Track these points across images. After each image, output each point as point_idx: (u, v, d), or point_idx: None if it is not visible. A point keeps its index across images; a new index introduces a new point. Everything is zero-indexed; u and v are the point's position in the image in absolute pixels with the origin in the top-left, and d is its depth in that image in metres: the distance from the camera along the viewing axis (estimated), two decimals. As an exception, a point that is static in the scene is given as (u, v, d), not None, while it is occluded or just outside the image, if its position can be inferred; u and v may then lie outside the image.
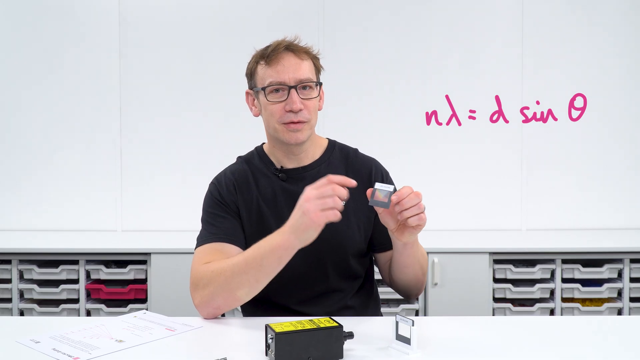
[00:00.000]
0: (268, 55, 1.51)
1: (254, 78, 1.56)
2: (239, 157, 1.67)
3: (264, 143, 1.67)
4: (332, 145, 1.65)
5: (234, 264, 1.39)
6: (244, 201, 1.57)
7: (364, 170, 1.61)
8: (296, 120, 1.50)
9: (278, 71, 1.50)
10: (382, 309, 2.12)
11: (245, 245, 1.54)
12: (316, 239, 1.50)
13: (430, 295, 2.62)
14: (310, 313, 1.54)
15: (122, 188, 3.19)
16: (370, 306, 1.65)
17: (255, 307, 1.59)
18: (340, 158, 1.63)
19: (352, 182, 1.32)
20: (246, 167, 1.61)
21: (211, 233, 1.53)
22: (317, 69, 1.57)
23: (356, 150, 1.67)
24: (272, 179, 1.58)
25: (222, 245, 1.50)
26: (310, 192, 1.31)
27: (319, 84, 1.56)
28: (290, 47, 1.52)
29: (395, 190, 1.34)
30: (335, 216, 1.29)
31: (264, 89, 1.52)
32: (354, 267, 1.58)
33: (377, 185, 1.35)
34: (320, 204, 1.28)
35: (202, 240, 1.53)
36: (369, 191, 1.35)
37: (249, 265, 1.37)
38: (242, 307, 1.64)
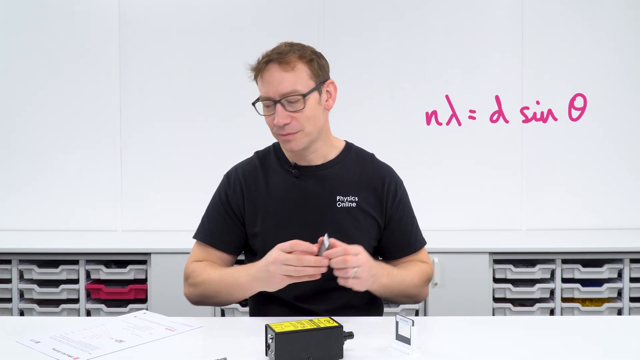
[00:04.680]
0: (257, 68, 1.53)
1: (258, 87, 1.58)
2: (255, 152, 1.69)
3: None
4: (349, 148, 1.66)
5: (212, 280, 1.52)
6: (251, 200, 1.60)
7: (377, 177, 1.62)
8: (284, 133, 1.51)
9: (264, 86, 1.51)
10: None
11: (237, 246, 1.63)
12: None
13: (430, 295, 2.61)
14: (313, 310, 1.56)
15: (122, 188, 3.19)
16: (372, 308, 1.65)
17: (259, 302, 1.62)
18: (356, 161, 1.63)
19: (323, 266, 1.36)
20: (258, 164, 1.64)
21: (203, 230, 1.63)
22: (315, 72, 1.52)
23: (373, 155, 1.67)
24: (283, 176, 1.60)
25: (207, 249, 1.61)
26: (278, 255, 1.37)
27: (316, 88, 1.52)
28: (276, 59, 1.49)
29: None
30: (298, 279, 1.38)
31: (255, 103, 1.54)
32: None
33: (325, 237, 1.38)
34: (284, 270, 1.36)
35: (197, 233, 1.65)
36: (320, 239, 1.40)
37: (221, 288, 1.51)
38: (249, 301, 1.69)
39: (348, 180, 1.59)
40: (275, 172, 1.61)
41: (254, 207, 1.59)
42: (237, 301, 1.54)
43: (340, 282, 1.39)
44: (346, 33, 3.16)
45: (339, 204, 1.57)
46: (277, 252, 1.38)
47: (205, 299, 1.56)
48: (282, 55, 1.49)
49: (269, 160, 1.63)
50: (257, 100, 1.53)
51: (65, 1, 3.16)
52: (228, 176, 1.65)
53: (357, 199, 1.58)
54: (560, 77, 3.16)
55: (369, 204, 1.58)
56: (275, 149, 1.65)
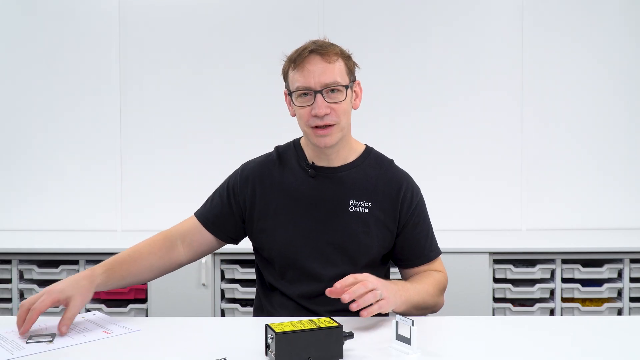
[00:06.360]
0: (295, 59, 1.51)
1: (287, 80, 1.56)
2: (276, 147, 1.68)
3: (302, 137, 1.67)
4: (368, 152, 1.65)
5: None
6: (263, 195, 1.60)
7: (394, 183, 1.60)
8: (322, 124, 1.50)
9: (304, 75, 1.49)
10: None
11: (229, 235, 1.64)
12: (332, 240, 1.55)
13: (430, 295, 2.61)
14: (316, 311, 1.56)
15: (123, 188, 3.19)
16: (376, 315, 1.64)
17: (264, 294, 1.64)
18: (374, 165, 1.62)
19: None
20: (276, 159, 1.63)
21: (204, 210, 1.66)
22: (350, 69, 1.55)
23: (392, 161, 1.66)
24: (300, 174, 1.60)
25: (197, 225, 1.63)
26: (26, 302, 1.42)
27: (350, 85, 1.53)
28: (318, 51, 1.49)
29: None
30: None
31: (292, 93, 1.53)
32: (364, 272, 1.58)
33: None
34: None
35: (199, 209, 1.67)
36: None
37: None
38: (256, 294, 1.70)
39: (363, 185, 1.59)
40: (292, 169, 1.61)
41: (266, 201, 1.59)
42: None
43: (370, 310, 1.31)
44: (346, 32, 3.15)
45: (351, 209, 1.56)
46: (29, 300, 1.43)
47: None
48: (323, 48, 1.50)
49: (288, 157, 1.63)
50: (292, 91, 1.52)
51: (65, 1, 3.16)
52: (243, 168, 1.66)
53: (370, 205, 1.57)
54: (560, 77, 3.16)
55: (383, 210, 1.57)
56: (295, 145, 1.65)
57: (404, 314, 1.50)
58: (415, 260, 1.62)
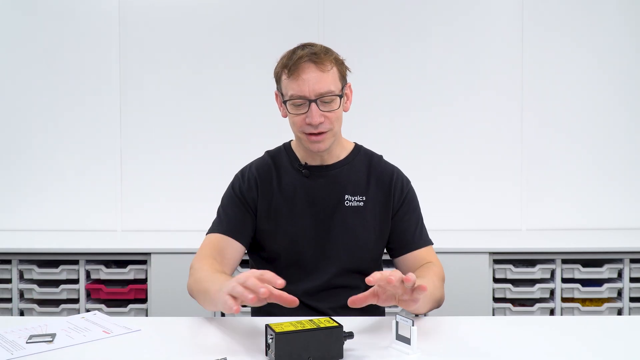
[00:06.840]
0: (290, 67, 1.50)
1: (280, 84, 1.56)
2: (266, 152, 1.70)
3: (292, 140, 1.69)
4: (358, 149, 1.69)
5: (198, 286, 1.45)
6: (264, 196, 1.62)
7: (385, 177, 1.64)
8: (316, 132, 1.52)
9: (299, 84, 1.49)
10: (382, 309, 2.11)
11: (249, 239, 1.61)
12: (331, 236, 1.58)
13: (430, 295, 2.61)
14: (317, 307, 1.57)
15: (122, 188, 3.19)
16: (373, 308, 1.65)
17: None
18: (365, 161, 1.66)
19: (279, 283, 1.20)
20: (271, 162, 1.66)
21: (222, 225, 1.60)
22: (342, 74, 1.56)
23: (381, 156, 1.70)
24: (294, 175, 1.62)
25: (223, 239, 1.57)
26: (241, 276, 1.24)
27: (342, 93, 1.54)
28: (313, 59, 1.49)
29: None
30: (230, 310, 1.22)
31: (286, 101, 1.53)
32: (364, 266, 1.61)
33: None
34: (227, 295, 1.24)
35: (211, 228, 1.62)
36: None
37: (200, 294, 1.43)
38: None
39: (356, 180, 1.62)
40: (287, 171, 1.64)
41: (267, 203, 1.61)
42: (206, 308, 1.42)
43: (409, 301, 1.27)
44: (346, 32, 3.16)
45: (347, 203, 1.60)
46: (236, 280, 1.24)
47: (197, 300, 1.50)
48: (317, 56, 1.50)
49: (281, 160, 1.66)
50: (285, 100, 1.53)
51: (65, 1, 3.16)
52: (242, 173, 1.67)
53: (364, 199, 1.61)
54: (560, 77, 3.16)
55: (377, 202, 1.61)
56: (286, 148, 1.68)
57: (424, 313, 1.51)
58: (405, 247, 1.63)
